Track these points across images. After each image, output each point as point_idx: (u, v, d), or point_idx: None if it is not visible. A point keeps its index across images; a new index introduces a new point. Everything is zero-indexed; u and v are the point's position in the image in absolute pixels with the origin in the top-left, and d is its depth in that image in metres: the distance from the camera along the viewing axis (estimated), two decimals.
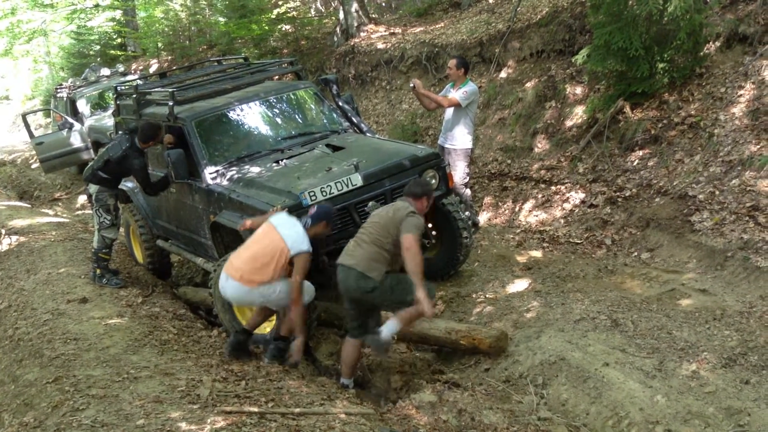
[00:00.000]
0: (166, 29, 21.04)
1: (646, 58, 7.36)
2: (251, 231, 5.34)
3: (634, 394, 4.46)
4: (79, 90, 14.25)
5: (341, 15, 14.06)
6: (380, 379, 5.37)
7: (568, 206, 7.89)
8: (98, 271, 7.03)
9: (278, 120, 7.02)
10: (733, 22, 7.54)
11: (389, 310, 5.12)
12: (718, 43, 7.65)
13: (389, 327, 4.90)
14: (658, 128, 7.52)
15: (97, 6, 23.59)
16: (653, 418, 4.24)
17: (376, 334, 4.90)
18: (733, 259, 5.98)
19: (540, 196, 8.31)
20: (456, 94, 7.32)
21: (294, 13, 16.39)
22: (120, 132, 7.26)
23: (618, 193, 7.44)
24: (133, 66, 21.66)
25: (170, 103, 6.52)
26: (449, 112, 7.46)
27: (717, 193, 6.55)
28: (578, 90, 8.88)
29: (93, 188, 6.91)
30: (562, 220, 7.75)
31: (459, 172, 7.41)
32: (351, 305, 5.08)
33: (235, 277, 5.17)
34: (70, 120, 13.50)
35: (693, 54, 7.50)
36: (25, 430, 4.21)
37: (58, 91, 15.38)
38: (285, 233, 5.12)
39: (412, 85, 7.40)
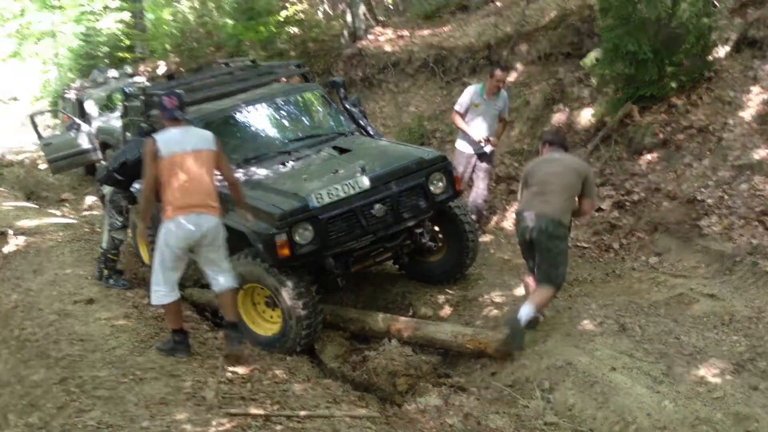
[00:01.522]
0: (174, 31, 21.09)
1: (655, 62, 7.34)
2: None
3: (642, 399, 4.43)
4: (87, 91, 14.29)
5: (348, 17, 14.06)
6: (385, 382, 5.35)
7: None
8: (105, 272, 7.04)
9: (285, 122, 7.02)
10: (742, 26, 7.52)
11: (543, 263, 5.36)
12: (727, 47, 7.62)
13: (526, 312, 5.19)
14: (667, 132, 7.49)
15: (105, 8, 23.66)
16: (661, 424, 4.21)
17: (515, 321, 5.18)
18: (742, 263, 5.94)
19: None
20: (507, 111, 7.74)
21: (301, 15, 16.40)
22: (137, 133, 7.25)
23: (626, 197, 7.40)
24: (141, 68, 21.71)
25: None
26: (488, 121, 7.57)
27: (726, 197, 6.51)
28: (586, 93, 8.85)
29: (107, 189, 6.92)
30: None
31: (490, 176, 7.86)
32: (527, 250, 5.50)
33: (208, 212, 5.08)
34: (78, 121, 13.52)
35: (702, 58, 7.48)
36: (31, 431, 4.22)
37: (66, 92, 15.42)
38: (197, 143, 5.12)
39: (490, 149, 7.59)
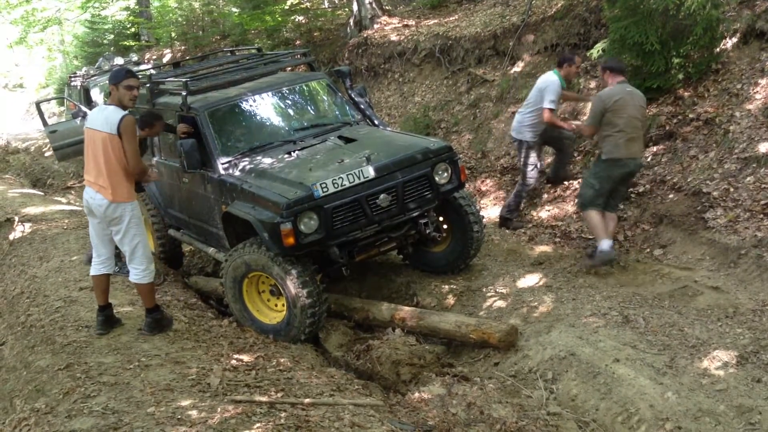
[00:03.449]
0: (180, 19, 21.08)
1: (662, 53, 7.30)
2: None
3: (645, 390, 4.44)
4: (92, 79, 14.29)
5: (355, 6, 14.02)
6: (389, 371, 5.37)
7: None
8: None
9: (291, 111, 7.01)
10: (750, 18, 7.46)
11: (621, 190, 6.64)
12: (734, 39, 7.57)
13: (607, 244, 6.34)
14: (673, 124, 7.47)
15: None
16: (663, 415, 4.22)
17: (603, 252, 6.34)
18: (747, 256, 5.93)
19: (552, 190, 8.27)
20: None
21: (307, 4, 16.36)
22: None
23: (631, 189, 7.38)
24: (147, 55, 21.73)
25: (183, 93, 6.52)
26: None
27: (731, 190, 6.50)
28: (593, 84, 8.82)
29: None
30: (575, 216, 7.71)
31: None
32: (613, 185, 6.43)
33: (98, 191, 5.22)
34: (84, 109, 13.50)
35: (709, 49, 7.43)
36: (37, 416, 4.25)
37: (72, 79, 15.43)
38: (101, 123, 5.18)
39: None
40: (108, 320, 5.53)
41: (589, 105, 7.29)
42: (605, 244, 6.31)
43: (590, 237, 7.31)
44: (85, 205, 5.39)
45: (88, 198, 5.31)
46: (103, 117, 5.19)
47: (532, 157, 7.70)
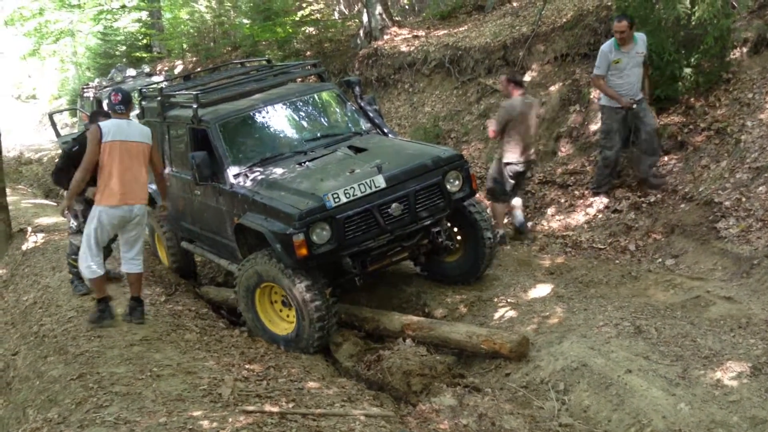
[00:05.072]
0: (191, 31, 21.24)
1: (673, 63, 7.30)
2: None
3: (657, 401, 4.42)
4: (105, 90, 14.39)
5: (365, 17, 14.10)
6: (400, 382, 5.36)
7: (591, 211, 7.83)
8: (70, 275, 6.99)
9: (301, 122, 7.04)
10: (761, 27, 7.46)
11: (522, 184, 8.00)
12: (745, 48, 7.57)
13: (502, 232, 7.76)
14: (684, 133, 7.45)
15: (123, 7, 23.85)
16: (676, 427, 4.19)
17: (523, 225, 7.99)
18: (760, 266, 5.90)
19: (563, 200, 8.26)
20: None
21: (318, 15, 16.46)
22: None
23: (642, 199, 7.37)
24: (159, 67, 21.87)
25: (194, 106, 6.56)
26: (634, 71, 7.32)
27: (743, 199, 6.47)
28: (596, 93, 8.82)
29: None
30: (586, 225, 7.70)
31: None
32: (513, 181, 7.63)
33: (136, 202, 5.71)
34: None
35: (720, 59, 7.43)
36: (49, 426, 4.27)
37: (85, 91, 15.55)
38: (137, 135, 5.75)
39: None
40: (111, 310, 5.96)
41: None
42: (503, 231, 7.83)
43: (600, 247, 7.31)
44: (114, 222, 5.69)
45: (123, 214, 5.66)
46: (138, 130, 5.83)
47: (606, 124, 7.57)
